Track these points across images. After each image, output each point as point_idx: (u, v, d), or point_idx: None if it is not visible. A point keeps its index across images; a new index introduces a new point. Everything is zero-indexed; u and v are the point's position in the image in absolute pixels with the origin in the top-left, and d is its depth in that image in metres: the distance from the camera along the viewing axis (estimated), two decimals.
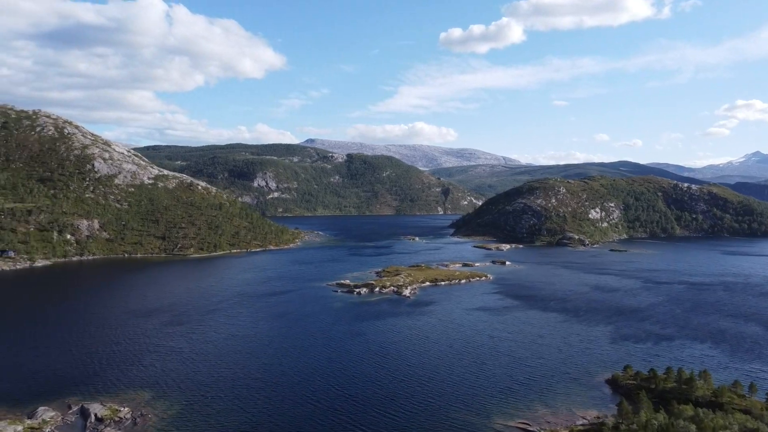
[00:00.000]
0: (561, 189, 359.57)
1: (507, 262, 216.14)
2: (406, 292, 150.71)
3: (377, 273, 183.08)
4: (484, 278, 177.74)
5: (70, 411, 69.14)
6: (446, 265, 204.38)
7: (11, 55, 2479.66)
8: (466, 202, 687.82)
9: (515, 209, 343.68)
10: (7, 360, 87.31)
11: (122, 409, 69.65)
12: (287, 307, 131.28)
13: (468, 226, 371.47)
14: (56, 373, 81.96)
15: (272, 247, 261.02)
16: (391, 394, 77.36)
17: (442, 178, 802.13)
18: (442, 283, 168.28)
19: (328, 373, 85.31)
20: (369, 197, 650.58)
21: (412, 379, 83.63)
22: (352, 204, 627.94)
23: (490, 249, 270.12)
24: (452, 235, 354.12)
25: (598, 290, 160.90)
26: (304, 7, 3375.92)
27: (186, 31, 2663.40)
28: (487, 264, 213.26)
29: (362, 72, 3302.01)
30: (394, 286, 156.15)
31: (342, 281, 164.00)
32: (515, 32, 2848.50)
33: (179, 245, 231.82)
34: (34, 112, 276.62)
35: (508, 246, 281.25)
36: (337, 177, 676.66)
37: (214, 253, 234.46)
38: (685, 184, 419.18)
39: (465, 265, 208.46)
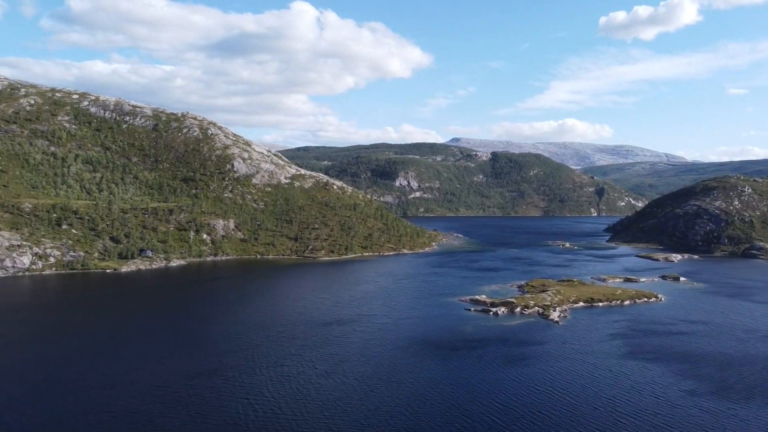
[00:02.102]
0: (746, 189, 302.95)
1: (681, 278, 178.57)
2: (554, 315, 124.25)
3: (519, 287, 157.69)
4: (653, 300, 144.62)
5: None
6: (604, 280, 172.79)
7: (184, 66, 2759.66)
8: (623, 203, 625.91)
9: (686, 212, 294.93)
10: (74, 393, 75.12)
11: None
12: (406, 331, 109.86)
13: (628, 230, 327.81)
14: (116, 414, 68.54)
15: (406, 251, 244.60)
16: None
17: (595, 177, 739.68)
18: (600, 304, 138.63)
19: None
20: (514, 197, 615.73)
21: None
22: (496, 204, 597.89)
23: (656, 260, 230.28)
24: (609, 240, 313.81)
25: None
26: (452, 4, 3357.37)
27: (336, 34, 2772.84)
28: (656, 280, 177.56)
29: (510, 68, 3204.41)
30: (538, 307, 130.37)
31: (477, 297, 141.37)
32: (689, 13, 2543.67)
33: (310, 247, 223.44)
34: (183, 114, 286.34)
35: (679, 256, 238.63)
36: (480, 176, 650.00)
37: (345, 256, 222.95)
38: None
39: (627, 280, 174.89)
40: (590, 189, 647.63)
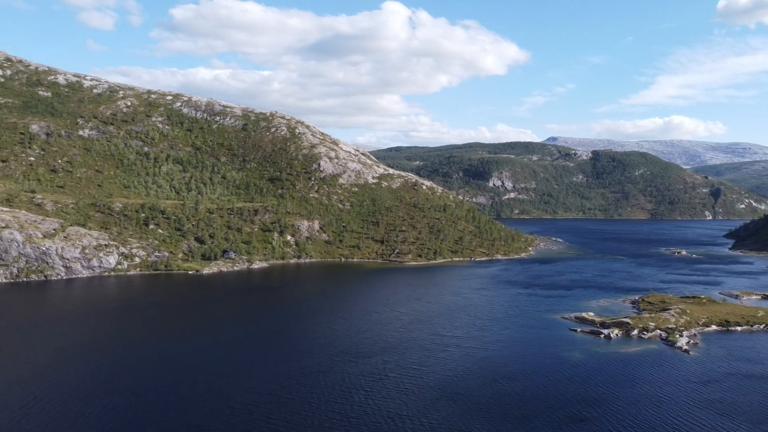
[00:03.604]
0: None
1: None
2: (682, 341, 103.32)
3: (633, 303, 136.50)
4: None
5: None
6: (737, 297, 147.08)
7: (281, 69, 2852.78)
8: (742, 206, 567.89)
9: None
10: (95, 423, 64.60)
11: None
12: (499, 360, 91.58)
13: (755, 237, 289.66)
14: None
15: (500, 256, 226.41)
16: None
17: (709, 177, 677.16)
18: (738, 328, 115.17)
19: None
20: (618, 199, 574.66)
21: None
22: (597, 206, 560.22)
23: None
24: (732, 248, 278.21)
25: None
26: None
27: (428, 33, 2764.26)
28: None
29: (612, 63, 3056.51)
30: (660, 330, 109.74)
31: (583, 314, 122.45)
32: None
33: (397, 251, 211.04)
34: (271, 114, 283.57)
35: None
36: (580, 176, 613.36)
37: (433, 261, 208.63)
38: None
39: (766, 297, 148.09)
40: (704, 190, 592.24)
